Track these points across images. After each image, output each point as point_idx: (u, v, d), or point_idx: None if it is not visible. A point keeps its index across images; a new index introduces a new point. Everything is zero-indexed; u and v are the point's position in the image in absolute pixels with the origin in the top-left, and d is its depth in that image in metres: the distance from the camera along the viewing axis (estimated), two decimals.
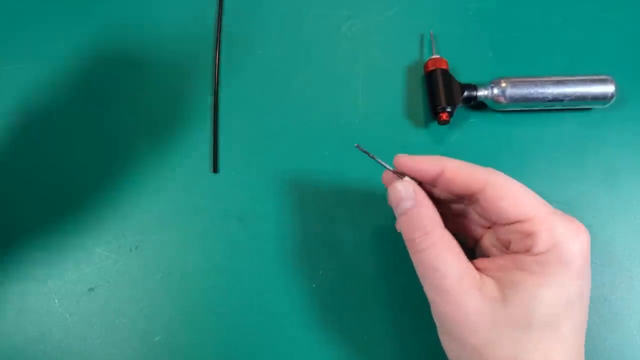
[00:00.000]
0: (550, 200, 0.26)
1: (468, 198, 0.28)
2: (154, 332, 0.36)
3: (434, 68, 0.42)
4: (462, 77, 0.42)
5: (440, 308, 0.25)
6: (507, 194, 0.26)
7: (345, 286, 0.37)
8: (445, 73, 0.41)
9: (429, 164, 0.28)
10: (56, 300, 0.37)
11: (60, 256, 0.38)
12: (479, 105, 0.42)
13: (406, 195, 0.27)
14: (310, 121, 0.43)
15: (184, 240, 0.38)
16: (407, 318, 0.36)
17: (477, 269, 0.26)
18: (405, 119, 0.43)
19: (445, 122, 0.40)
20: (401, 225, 0.28)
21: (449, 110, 0.40)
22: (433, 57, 0.43)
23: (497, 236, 0.28)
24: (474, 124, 0.42)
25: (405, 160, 0.29)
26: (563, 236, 0.24)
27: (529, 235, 0.25)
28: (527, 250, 0.25)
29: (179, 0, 0.47)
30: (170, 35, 0.46)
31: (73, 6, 0.47)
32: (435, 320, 0.27)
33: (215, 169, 0.41)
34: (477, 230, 0.31)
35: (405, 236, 0.27)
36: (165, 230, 0.39)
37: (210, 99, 0.43)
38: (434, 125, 0.42)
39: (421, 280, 0.27)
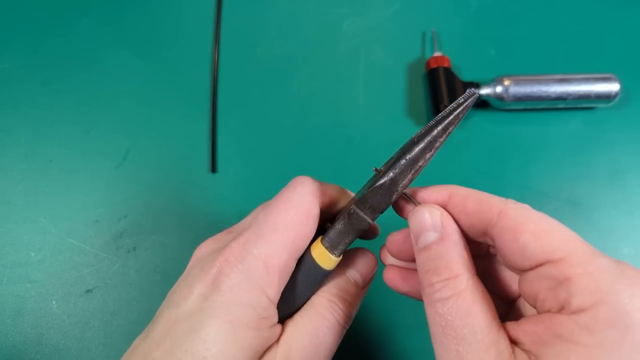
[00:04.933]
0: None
1: (485, 237, 0.21)
2: None
3: (436, 66, 0.41)
4: (465, 75, 0.41)
5: None
6: (529, 226, 0.19)
7: None
8: (448, 71, 0.41)
9: (435, 192, 0.22)
10: (54, 302, 0.36)
11: (58, 258, 0.37)
12: (482, 104, 0.42)
13: (432, 224, 0.21)
14: (310, 120, 0.42)
15: (182, 241, 0.38)
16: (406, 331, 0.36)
17: (510, 338, 0.19)
18: (406, 117, 0.42)
19: None
20: (419, 265, 0.21)
21: None
22: (435, 54, 0.42)
23: (523, 289, 0.20)
24: (476, 123, 0.42)
25: (412, 192, 0.23)
26: (615, 284, 0.16)
27: (562, 282, 0.17)
28: (563, 307, 0.17)
29: None
30: (168, 34, 0.45)
31: (72, 4, 0.46)
32: None
33: (214, 169, 0.40)
34: (514, 287, 0.24)
35: (422, 280, 0.21)
36: (163, 231, 0.38)
37: (208, 98, 0.43)
38: None
39: (433, 340, 0.20)
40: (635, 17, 0.46)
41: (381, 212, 0.22)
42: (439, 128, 0.22)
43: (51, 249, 0.38)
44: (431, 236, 0.21)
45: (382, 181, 0.22)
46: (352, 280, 0.25)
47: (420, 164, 0.22)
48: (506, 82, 0.40)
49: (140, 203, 0.39)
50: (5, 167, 0.40)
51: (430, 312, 0.20)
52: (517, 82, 0.40)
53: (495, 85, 0.40)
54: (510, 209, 0.20)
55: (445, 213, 0.21)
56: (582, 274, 0.17)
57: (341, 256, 0.24)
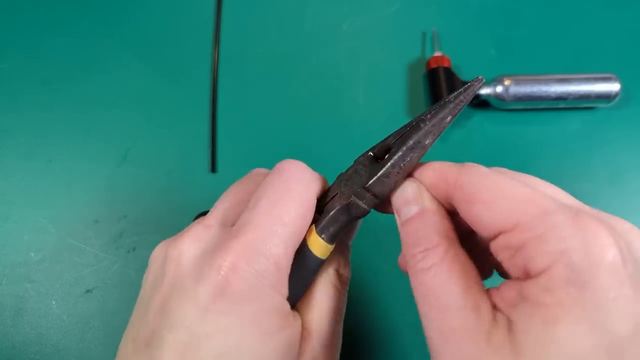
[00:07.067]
0: None
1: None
2: None
3: (436, 66, 0.41)
4: (465, 74, 0.41)
5: (437, 349, 0.19)
6: (481, 195, 0.18)
7: None
8: (448, 71, 0.41)
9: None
10: (54, 302, 0.36)
11: (57, 258, 0.37)
12: (482, 104, 0.42)
13: (413, 198, 0.21)
14: (310, 120, 0.42)
15: None
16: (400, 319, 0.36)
17: (492, 304, 0.18)
18: (407, 117, 0.42)
19: None
20: (403, 239, 0.21)
21: None
22: (435, 54, 0.42)
23: (493, 257, 0.20)
24: (477, 123, 0.42)
25: None
26: (567, 242, 0.16)
27: (518, 250, 0.17)
28: (525, 273, 0.17)
29: None
30: (168, 34, 0.45)
31: (72, 4, 0.46)
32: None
33: (214, 169, 0.40)
34: None
35: (405, 253, 0.21)
36: (163, 232, 0.38)
37: (208, 98, 0.43)
38: None
39: (419, 311, 0.20)
40: (635, 17, 0.46)
41: (382, 200, 0.22)
42: (446, 110, 0.21)
43: (51, 249, 0.38)
44: (412, 210, 0.21)
45: (388, 169, 0.21)
46: (349, 246, 0.26)
47: (426, 147, 0.21)
48: (506, 82, 0.40)
49: (140, 203, 0.39)
50: (5, 167, 0.40)
51: (414, 283, 0.20)
52: (517, 82, 0.40)
53: (495, 85, 0.40)
54: (464, 177, 0.19)
55: (423, 186, 0.21)
56: (533, 238, 0.17)
57: (335, 244, 0.23)
